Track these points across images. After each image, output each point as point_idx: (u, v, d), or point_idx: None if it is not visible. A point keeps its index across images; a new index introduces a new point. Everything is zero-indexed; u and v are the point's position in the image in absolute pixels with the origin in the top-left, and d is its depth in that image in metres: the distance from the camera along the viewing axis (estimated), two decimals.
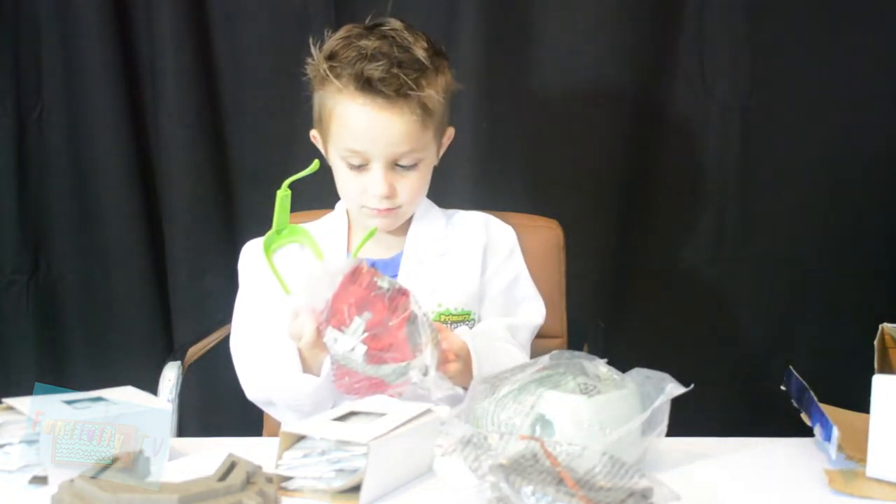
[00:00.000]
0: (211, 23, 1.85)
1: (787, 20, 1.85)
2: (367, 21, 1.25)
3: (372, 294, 1.03)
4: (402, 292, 1.05)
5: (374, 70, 1.16)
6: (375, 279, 1.04)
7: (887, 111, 1.87)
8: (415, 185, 1.25)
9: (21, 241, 1.92)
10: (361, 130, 1.20)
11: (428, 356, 1.01)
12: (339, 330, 1.02)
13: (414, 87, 1.18)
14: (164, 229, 1.90)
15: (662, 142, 1.89)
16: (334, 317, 1.03)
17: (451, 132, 1.32)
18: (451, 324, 1.26)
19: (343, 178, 1.25)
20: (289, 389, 1.17)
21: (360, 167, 1.22)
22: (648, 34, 1.85)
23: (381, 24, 1.23)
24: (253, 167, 1.90)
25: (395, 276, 1.27)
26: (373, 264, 1.18)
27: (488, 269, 1.32)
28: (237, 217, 1.92)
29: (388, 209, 1.24)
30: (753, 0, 1.83)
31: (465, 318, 1.27)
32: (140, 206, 1.90)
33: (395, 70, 1.17)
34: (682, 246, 1.93)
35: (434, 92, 1.21)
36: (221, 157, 1.89)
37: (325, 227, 1.35)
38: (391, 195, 1.23)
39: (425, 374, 1.01)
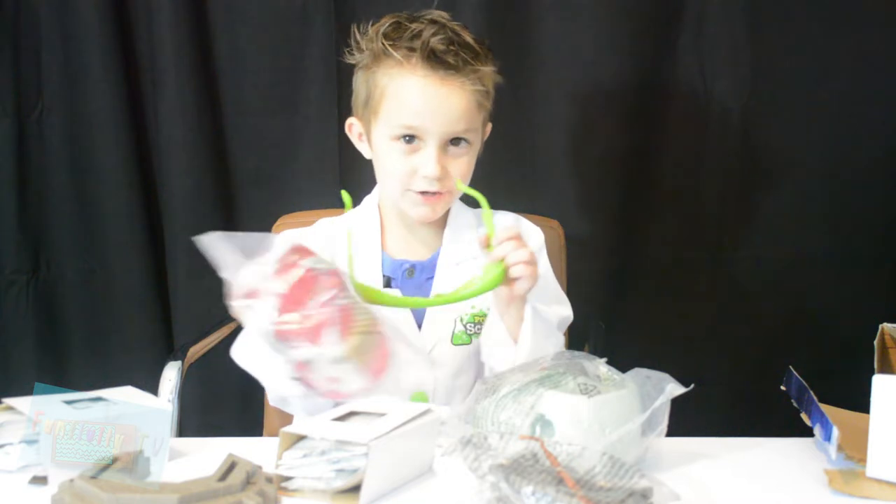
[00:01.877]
0: (211, 23, 1.85)
1: (787, 20, 1.84)
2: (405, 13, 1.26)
3: (306, 274, 0.93)
4: (333, 273, 0.95)
5: (438, 43, 1.18)
6: (308, 261, 0.94)
7: (887, 111, 1.87)
8: (463, 168, 1.25)
9: (21, 241, 1.92)
10: (420, 104, 1.20)
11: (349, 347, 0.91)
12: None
13: (473, 62, 1.20)
14: (164, 229, 1.90)
15: (662, 142, 1.89)
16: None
17: (489, 127, 1.33)
18: (481, 324, 1.25)
19: (392, 161, 1.24)
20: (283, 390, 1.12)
21: (413, 145, 1.22)
22: (648, 34, 1.84)
23: (424, 15, 1.24)
24: (253, 167, 1.90)
25: (431, 277, 1.27)
26: (412, 266, 1.20)
27: None
28: (237, 217, 1.92)
29: (436, 193, 1.24)
30: (754, 0, 1.83)
31: None
32: (140, 206, 1.90)
33: (454, 47, 1.19)
34: (683, 246, 1.93)
35: (490, 71, 1.24)
36: (221, 157, 1.89)
37: (355, 222, 1.33)
38: (442, 176, 1.22)
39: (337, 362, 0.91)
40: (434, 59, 1.18)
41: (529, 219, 1.51)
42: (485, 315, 1.25)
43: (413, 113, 1.20)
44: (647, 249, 1.93)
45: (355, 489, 0.84)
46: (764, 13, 1.84)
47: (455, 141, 1.23)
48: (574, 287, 1.54)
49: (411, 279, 1.27)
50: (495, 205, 1.50)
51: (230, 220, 1.91)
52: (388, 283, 1.27)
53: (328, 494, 0.86)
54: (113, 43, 1.83)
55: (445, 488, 0.88)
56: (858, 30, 1.85)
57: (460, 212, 1.33)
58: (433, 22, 1.22)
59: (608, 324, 1.72)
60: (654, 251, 1.93)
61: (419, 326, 1.25)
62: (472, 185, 1.80)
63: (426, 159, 1.21)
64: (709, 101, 1.87)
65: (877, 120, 1.88)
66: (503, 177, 1.86)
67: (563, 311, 1.33)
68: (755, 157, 1.89)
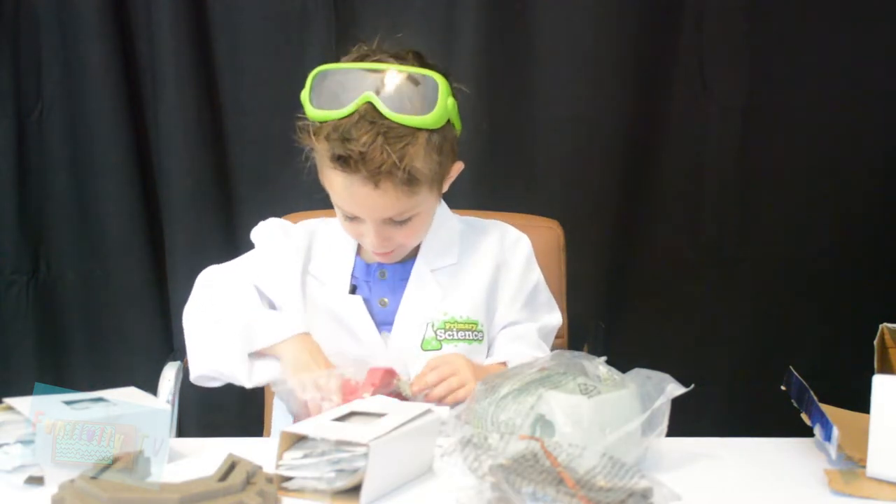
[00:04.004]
0: (211, 23, 1.85)
1: (787, 20, 1.85)
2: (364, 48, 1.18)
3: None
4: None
5: (354, 146, 1.09)
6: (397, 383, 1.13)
7: (888, 110, 1.88)
8: (410, 233, 1.21)
9: (21, 241, 1.92)
10: (346, 198, 1.16)
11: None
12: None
13: (398, 161, 1.09)
14: (164, 229, 1.91)
15: (662, 142, 1.89)
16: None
17: (457, 167, 1.25)
18: (456, 331, 1.25)
19: (341, 221, 1.22)
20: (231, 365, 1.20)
21: (355, 219, 1.19)
22: (648, 34, 1.85)
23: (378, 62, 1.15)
24: (253, 167, 1.90)
25: (405, 279, 1.26)
26: (384, 268, 1.24)
27: (506, 288, 1.29)
28: (237, 217, 1.92)
29: (385, 252, 1.22)
30: (753, 0, 1.83)
31: (471, 328, 1.26)
32: (140, 206, 1.90)
33: (378, 141, 1.09)
34: (682, 246, 1.93)
35: (422, 158, 1.13)
36: (221, 156, 1.90)
37: (335, 230, 1.32)
38: (386, 245, 1.20)
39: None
40: (348, 167, 1.10)
41: (528, 219, 1.51)
42: (456, 321, 1.25)
43: (342, 201, 1.17)
44: (647, 249, 1.93)
45: (355, 489, 0.84)
46: (764, 13, 1.84)
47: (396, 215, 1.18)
48: (574, 287, 1.54)
49: (384, 280, 1.27)
50: (495, 205, 1.51)
51: (230, 220, 1.92)
52: (353, 290, 1.26)
53: (328, 495, 0.85)
54: (113, 43, 1.83)
55: (445, 488, 0.88)
56: (858, 30, 1.85)
57: (443, 219, 1.30)
58: (361, 118, 1.10)
59: (608, 324, 1.72)
60: (655, 251, 1.93)
61: (390, 329, 1.25)
62: (471, 186, 1.82)
63: (367, 233, 1.18)
64: (709, 101, 1.87)
65: (877, 120, 1.88)
66: (503, 177, 1.86)
67: (552, 320, 1.33)
68: (755, 157, 1.89)
